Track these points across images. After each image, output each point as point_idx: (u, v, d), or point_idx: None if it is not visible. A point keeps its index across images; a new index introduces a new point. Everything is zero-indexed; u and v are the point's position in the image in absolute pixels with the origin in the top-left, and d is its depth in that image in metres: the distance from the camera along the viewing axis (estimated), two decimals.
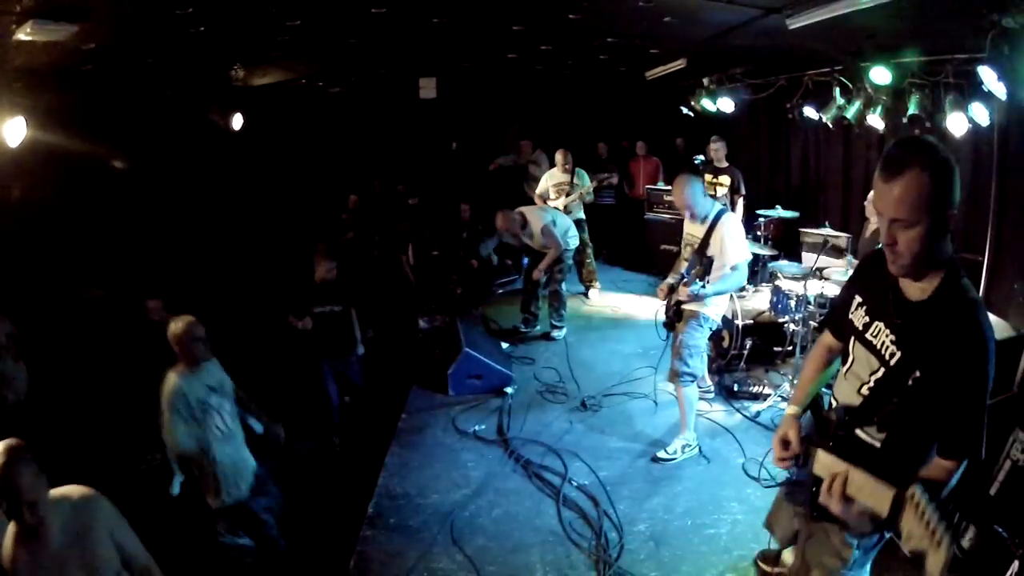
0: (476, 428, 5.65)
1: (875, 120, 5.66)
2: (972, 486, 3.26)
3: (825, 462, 2.10)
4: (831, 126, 6.15)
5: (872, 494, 1.89)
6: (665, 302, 4.96)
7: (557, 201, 8.23)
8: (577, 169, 8.36)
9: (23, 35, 3.65)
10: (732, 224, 4.61)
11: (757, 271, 7.14)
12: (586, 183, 8.34)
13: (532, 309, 7.75)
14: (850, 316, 2.29)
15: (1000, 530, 3.00)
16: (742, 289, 6.55)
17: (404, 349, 7.43)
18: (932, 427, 1.97)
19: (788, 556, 2.82)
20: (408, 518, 4.49)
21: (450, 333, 6.99)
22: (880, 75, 5.15)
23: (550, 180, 8.37)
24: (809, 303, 5.67)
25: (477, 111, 10.71)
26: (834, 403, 2.35)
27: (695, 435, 4.98)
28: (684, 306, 4.81)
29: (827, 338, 2.54)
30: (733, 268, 4.56)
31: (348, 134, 10.31)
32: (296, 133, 9.82)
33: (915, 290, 2.05)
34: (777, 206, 7.40)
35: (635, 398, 5.97)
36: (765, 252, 7.15)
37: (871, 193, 6.16)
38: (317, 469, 5.46)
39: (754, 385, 5.88)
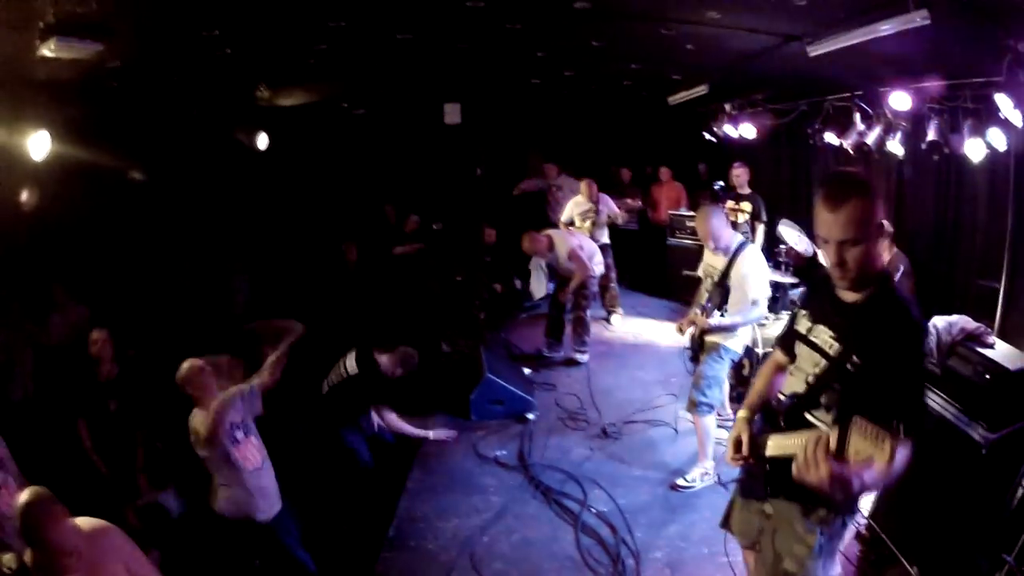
0: (497, 453, 5.69)
1: (895, 146, 5.65)
2: (984, 516, 3.24)
3: (777, 443, 2.37)
4: (851, 152, 6.14)
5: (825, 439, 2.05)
6: (690, 334, 5.00)
7: (583, 228, 8.30)
8: (602, 196, 8.43)
9: (47, 51, 3.66)
10: (753, 257, 4.62)
11: (778, 298, 7.10)
12: (611, 208, 8.42)
13: (557, 334, 7.78)
14: (795, 327, 2.58)
15: (1008, 558, 2.99)
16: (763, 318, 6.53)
17: (426, 373, 7.48)
18: (873, 406, 2.07)
19: (749, 557, 2.87)
20: (428, 541, 4.54)
21: (472, 358, 7.03)
22: (899, 100, 5.16)
23: (575, 208, 8.45)
24: None
25: (501, 136, 10.82)
26: (780, 397, 2.57)
27: (713, 464, 4.98)
28: (706, 337, 4.81)
29: (777, 355, 2.77)
30: (753, 303, 4.56)
31: (371, 156, 10.46)
32: (320, 154, 9.96)
33: (851, 296, 2.33)
34: (799, 231, 7.35)
35: (655, 426, 5.97)
36: (786, 280, 7.10)
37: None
38: (338, 491, 5.52)
39: None
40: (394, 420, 5.36)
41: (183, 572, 4.13)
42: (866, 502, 3.88)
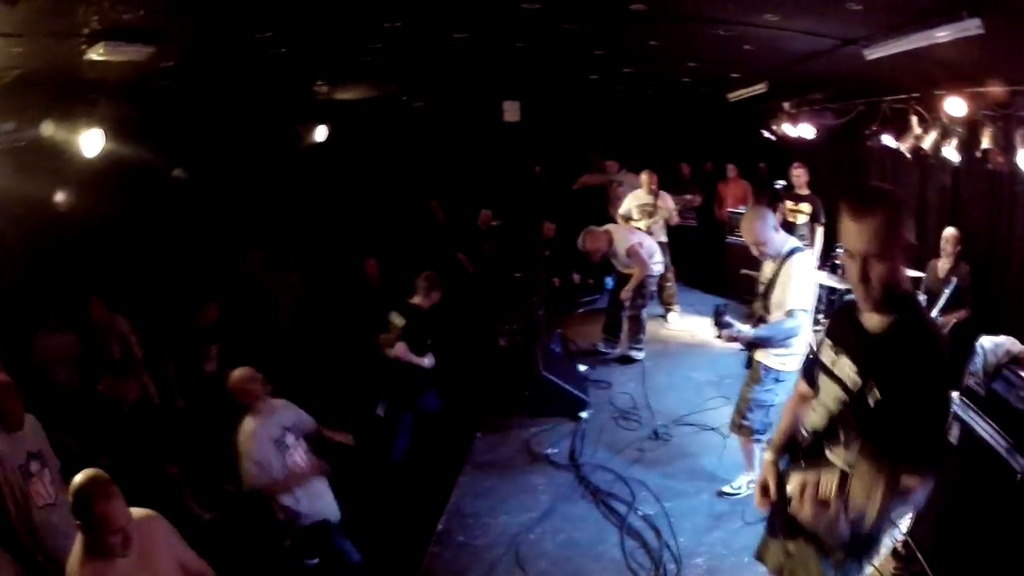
0: (549, 451, 5.77)
1: (950, 152, 5.47)
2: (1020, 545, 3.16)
3: (796, 479, 2.28)
4: (908, 155, 5.97)
5: (826, 483, 2.08)
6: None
7: (640, 223, 8.27)
8: (661, 192, 8.38)
9: (95, 56, 3.62)
10: (802, 264, 4.25)
11: (833, 302, 6.95)
12: (670, 205, 8.37)
13: (615, 331, 7.80)
14: (820, 356, 2.47)
15: None
16: (817, 323, 6.34)
17: (482, 368, 7.63)
18: (889, 446, 2.04)
19: None
20: (476, 537, 4.67)
21: (529, 354, 7.10)
22: (955, 106, 4.99)
23: (634, 201, 8.41)
24: None
25: (560, 132, 10.83)
26: (804, 433, 2.51)
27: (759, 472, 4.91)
28: (753, 354, 4.54)
29: (801, 386, 2.70)
30: (789, 314, 4.13)
31: (430, 151, 10.62)
32: (379, 146, 10.13)
33: (875, 323, 2.21)
34: None
35: (705, 430, 5.95)
36: (842, 286, 6.87)
37: (947, 231, 5.93)
38: (389, 483, 5.72)
39: None
40: (403, 350, 5.65)
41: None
42: (905, 519, 3.80)
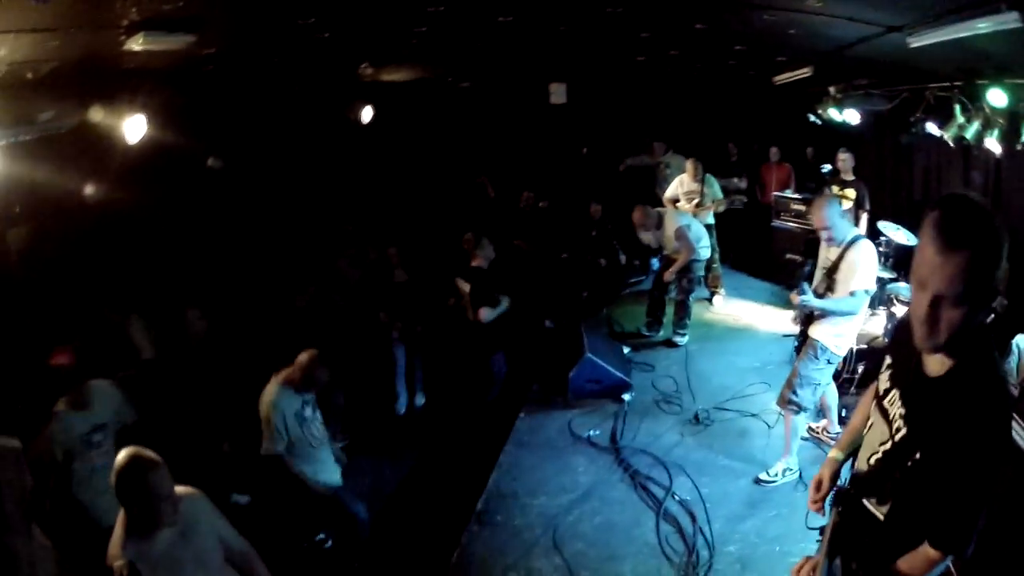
0: (590, 433, 5.86)
1: (992, 143, 5.34)
2: None
3: (824, 540, 2.20)
4: (951, 144, 5.83)
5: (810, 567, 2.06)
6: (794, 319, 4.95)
7: (686, 208, 8.24)
8: (707, 176, 8.31)
9: (135, 46, 3.57)
10: (865, 250, 4.49)
11: (877, 291, 6.85)
12: (716, 191, 8.31)
13: (658, 314, 7.82)
14: (880, 375, 2.20)
15: None
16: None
17: (527, 348, 7.73)
18: (927, 512, 1.89)
19: None
20: (514, 517, 4.81)
21: (574, 335, 7.17)
22: (997, 97, 4.89)
23: (680, 187, 8.38)
24: None
25: (607, 113, 10.77)
26: (850, 477, 2.33)
27: (797, 460, 4.95)
28: (809, 332, 4.74)
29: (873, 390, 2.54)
30: (852, 293, 4.43)
31: (477, 132, 10.68)
32: (425, 127, 10.21)
33: (936, 363, 1.89)
34: (900, 227, 7.10)
35: (745, 416, 5.96)
36: (886, 275, 6.78)
37: None
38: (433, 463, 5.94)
39: None
40: (485, 313, 6.10)
41: None
42: None
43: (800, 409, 4.75)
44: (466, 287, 6.28)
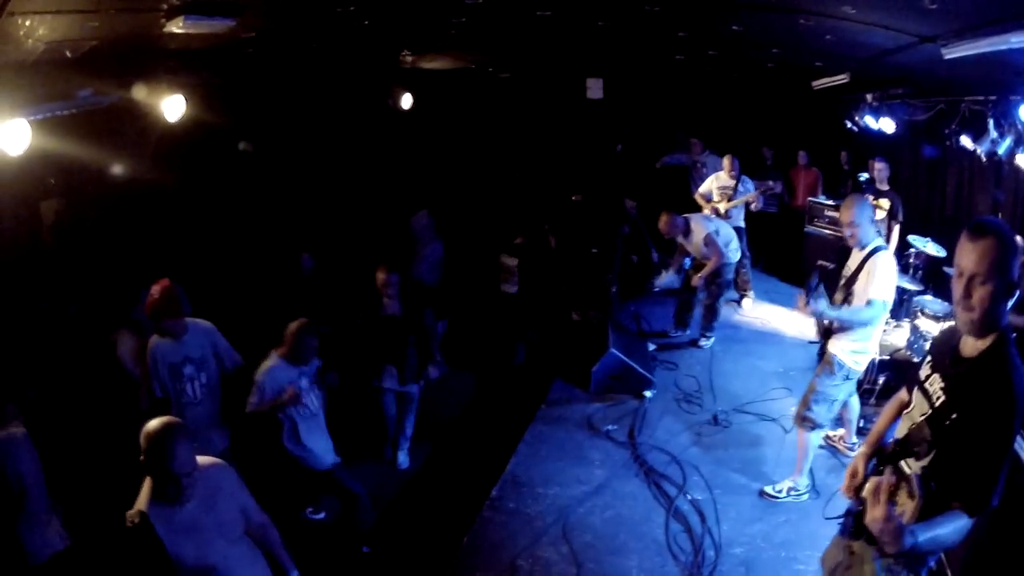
0: (609, 428, 5.93)
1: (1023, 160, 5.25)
2: None
3: (872, 482, 2.40)
4: (984, 160, 5.74)
5: (899, 488, 2.21)
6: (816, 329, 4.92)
7: (720, 204, 8.22)
8: (743, 176, 8.28)
9: (175, 28, 3.59)
10: (886, 262, 4.40)
11: (903, 303, 6.77)
12: (750, 189, 8.29)
13: (685, 316, 7.82)
14: (920, 371, 2.59)
15: None
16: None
17: (553, 340, 7.80)
18: (951, 473, 2.20)
19: None
20: (527, 505, 4.90)
21: (599, 330, 7.21)
22: None
23: (715, 182, 8.38)
24: None
25: (644, 110, 10.74)
26: (891, 442, 2.60)
27: (807, 482, 4.87)
28: (828, 346, 4.67)
29: (903, 394, 2.78)
30: (869, 303, 4.34)
31: (516, 121, 10.71)
32: (465, 116, 10.28)
33: (970, 348, 2.32)
34: (928, 239, 7.02)
35: (765, 420, 5.97)
36: (912, 287, 6.76)
37: (1016, 238, 5.75)
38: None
39: None
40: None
41: None
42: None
43: (815, 426, 4.66)
44: (512, 262, 6.49)
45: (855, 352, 4.54)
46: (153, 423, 2.62)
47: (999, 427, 2.15)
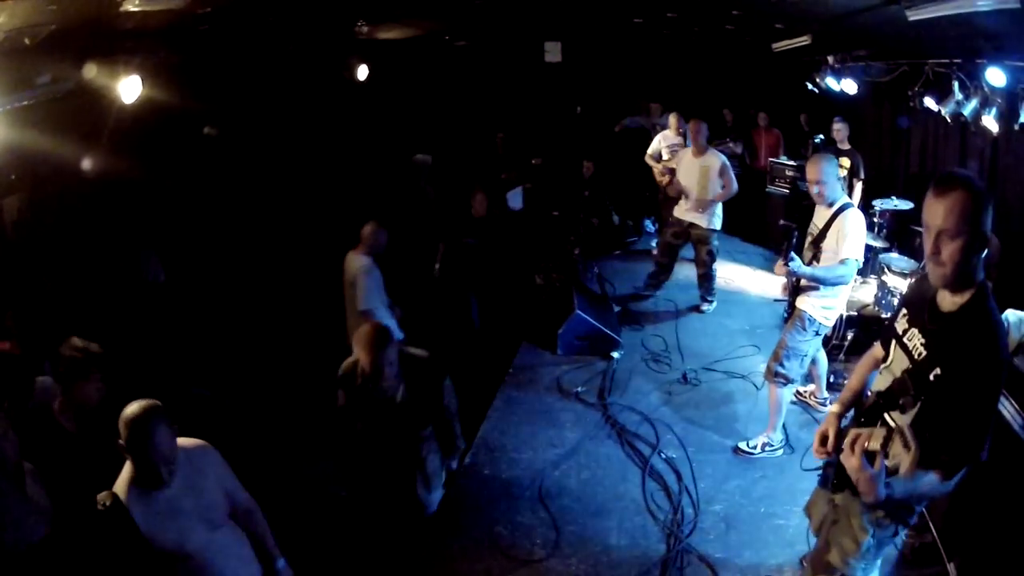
0: (579, 390, 5.88)
1: (990, 122, 5.32)
2: None
3: (851, 433, 2.34)
4: (949, 121, 5.80)
5: (875, 439, 2.18)
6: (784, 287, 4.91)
7: (670, 163, 8.15)
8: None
9: (131, 7, 3.57)
10: (855, 219, 4.40)
11: (869, 260, 6.86)
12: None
13: (661, 278, 7.73)
14: (895, 324, 2.57)
15: None
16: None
17: (517, 304, 7.70)
18: (937, 425, 2.19)
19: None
20: (501, 471, 4.84)
21: (564, 292, 7.18)
22: (995, 77, 4.87)
23: (663, 141, 8.30)
24: None
25: (602, 75, 10.64)
26: (870, 395, 2.60)
27: (781, 436, 4.92)
28: (797, 302, 4.67)
29: (876, 350, 2.77)
30: (842, 262, 4.33)
31: (473, 89, 10.54)
32: (422, 85, 10.10)
33: (948, 303, 2.30)
34: (892, 196, 7.11)
35: (734, 377, 6.00)
36: (878, 244, 6.85)
37: None
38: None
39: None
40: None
41: None
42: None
43: (787, 381, 4.70)
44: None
45: (825, 308, 4.57)
46: (132, 406, 2.51)
47: (985, 383, 2.14)
